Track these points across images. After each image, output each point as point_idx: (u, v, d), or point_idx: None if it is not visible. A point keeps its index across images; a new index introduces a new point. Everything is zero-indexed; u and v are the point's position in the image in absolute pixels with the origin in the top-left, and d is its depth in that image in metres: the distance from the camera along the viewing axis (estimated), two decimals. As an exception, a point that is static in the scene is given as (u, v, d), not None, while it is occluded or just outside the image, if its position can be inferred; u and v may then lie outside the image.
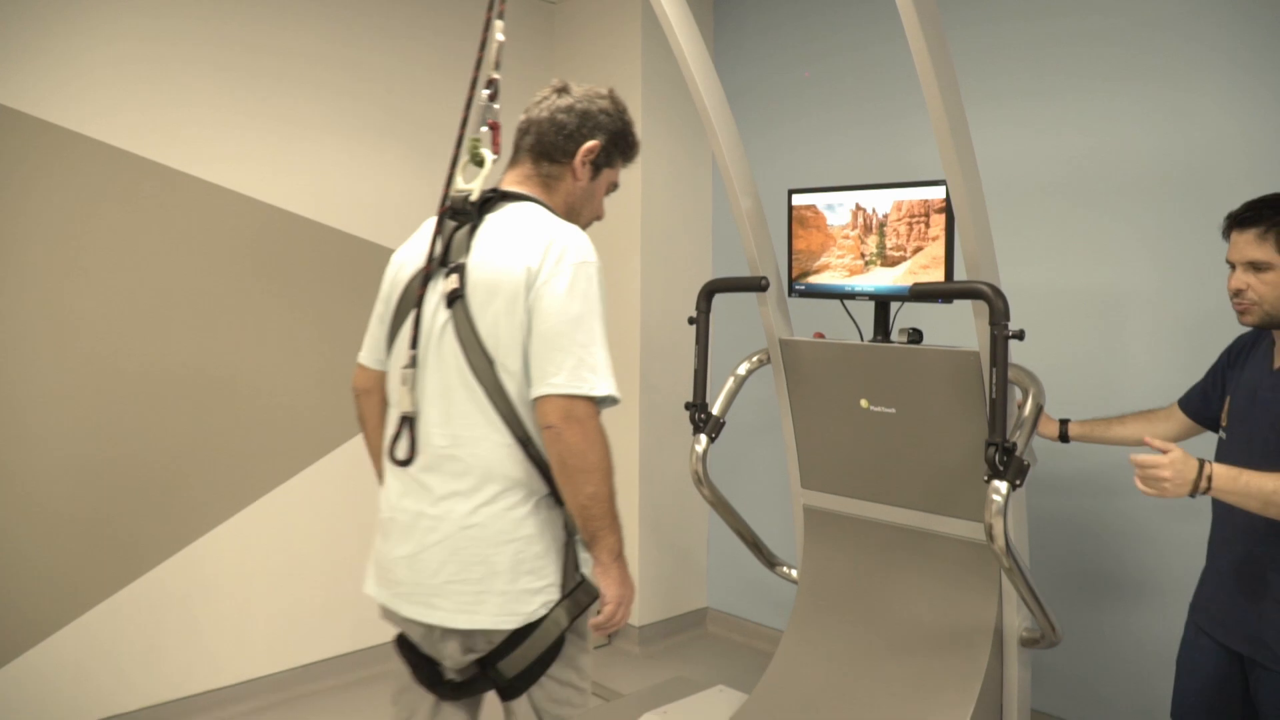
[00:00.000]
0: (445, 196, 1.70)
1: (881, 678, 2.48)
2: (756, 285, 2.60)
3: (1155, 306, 2.77)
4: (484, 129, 1.72)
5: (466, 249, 1.65)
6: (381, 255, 3.40)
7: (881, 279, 2.48)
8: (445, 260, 1.67)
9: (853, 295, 2.54)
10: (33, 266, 2.76)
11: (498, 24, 1.70)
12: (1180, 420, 2.24)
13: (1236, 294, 1.91)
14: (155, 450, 3.00)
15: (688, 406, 2.67)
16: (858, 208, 2.52)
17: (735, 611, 4.00)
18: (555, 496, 1.66)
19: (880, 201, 2.47)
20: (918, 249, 2.41)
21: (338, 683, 3.45)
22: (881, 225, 2.47)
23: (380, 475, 1.82)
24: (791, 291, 2.68)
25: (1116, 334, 2.85)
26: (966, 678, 2.34)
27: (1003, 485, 2.01)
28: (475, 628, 1.63)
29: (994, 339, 2.03)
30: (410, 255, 1.77)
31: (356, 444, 3.39)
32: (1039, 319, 2.85)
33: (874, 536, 2.58)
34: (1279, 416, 1.86)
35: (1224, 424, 2.04)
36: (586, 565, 1.71)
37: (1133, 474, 1.77)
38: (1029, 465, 2.04)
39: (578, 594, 1.68)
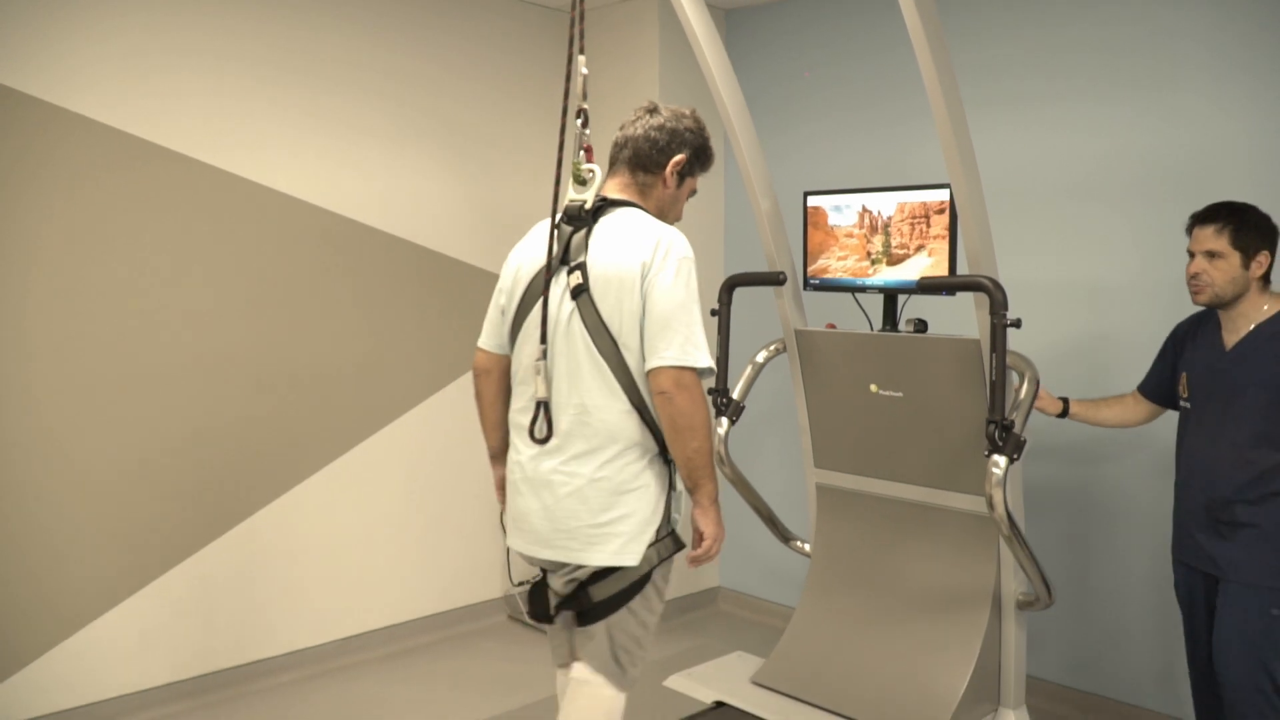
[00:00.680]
0: (554, 208, 1.95)
1: (890, 639, 2.71)
2: (775, 280, 2.82)
3: (1141, 297, 2.98)
4: (580, 152, 1.98)
5: (585, 248, 1.90)
6: (418, 254, 3.71)
7: (888, 275, 2.70)
8: (565, 259, 1.92)
9: (863, 289, 2.76)
10: (155, 271, 3.11)
11: (580, 58, 1.95)
12: (1146, 403, 2.57)
13: (1194, 277, 2.29)
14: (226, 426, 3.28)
15: (710, 392, 2.86)
16: (864, 209, 2.74)
17: (746, 590, 4.20)
18: (664, 455, 1.95)
19: (885, 204, 2.69)
20: (919, 247, 2.63)
21: (431, 639, 3.78)
22: (886, 225, 2.69)
23: (492, 445, 2.17)
24: (806, 285, 2.90)
25: (1106, 322, 3.07)
26: (968, 638, 2.57)
27: (1002, 459, 2.24)
28: (602, 564, 1.89)
29: (994, 327, 2.26)
30: (527, 256, 2.02)
31: (386, 433, 3.60)
32: (1035, 309, 3.05)
33: (882, 511, 2.81)
34: (1240, 385, 2.25)
35: (1185, 395, 2.38)
36: (673, 524, 1.99)
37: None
38: (1025, 441, 2.27)
39: (667, 540, 1.96)
